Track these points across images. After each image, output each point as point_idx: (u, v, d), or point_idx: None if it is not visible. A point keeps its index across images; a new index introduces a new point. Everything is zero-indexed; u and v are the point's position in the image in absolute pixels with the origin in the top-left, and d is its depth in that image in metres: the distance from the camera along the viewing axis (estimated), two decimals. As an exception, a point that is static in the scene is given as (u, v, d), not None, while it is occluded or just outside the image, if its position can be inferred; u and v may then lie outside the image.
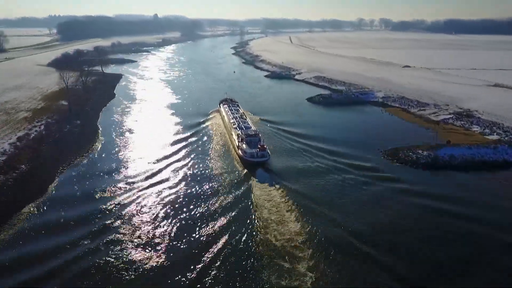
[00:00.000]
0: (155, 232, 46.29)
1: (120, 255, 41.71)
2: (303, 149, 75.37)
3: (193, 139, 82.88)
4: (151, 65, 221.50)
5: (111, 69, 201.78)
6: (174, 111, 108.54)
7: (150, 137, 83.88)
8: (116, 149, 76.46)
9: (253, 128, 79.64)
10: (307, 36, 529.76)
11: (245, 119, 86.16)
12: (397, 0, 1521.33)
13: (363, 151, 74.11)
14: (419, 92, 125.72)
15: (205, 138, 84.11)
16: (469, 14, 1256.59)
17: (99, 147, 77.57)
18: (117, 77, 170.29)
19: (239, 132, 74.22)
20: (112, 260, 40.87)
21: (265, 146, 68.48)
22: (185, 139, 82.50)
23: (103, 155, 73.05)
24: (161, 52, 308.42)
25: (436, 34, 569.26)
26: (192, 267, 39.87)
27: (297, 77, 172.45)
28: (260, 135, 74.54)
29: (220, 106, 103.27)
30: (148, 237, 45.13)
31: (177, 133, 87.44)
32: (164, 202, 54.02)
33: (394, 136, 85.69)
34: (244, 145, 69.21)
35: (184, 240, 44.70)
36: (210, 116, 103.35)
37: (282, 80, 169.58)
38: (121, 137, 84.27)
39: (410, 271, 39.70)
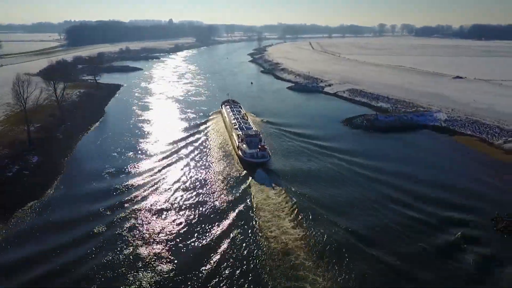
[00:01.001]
0: (155, 233, 45.57)
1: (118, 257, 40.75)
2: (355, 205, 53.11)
3: (193, 140, 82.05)
4: (158, 74, 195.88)
5: (111, 78, 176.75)
6: (175, 140, 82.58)
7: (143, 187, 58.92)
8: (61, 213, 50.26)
9: (254, 128, 79.16)
10: (328, 42, 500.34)
11: (247, 120, 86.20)
12: (418, 6, 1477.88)
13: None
14: (495, 113, 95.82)
15: (206, 139, 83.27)
16: (494, 19, 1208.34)
17: (46, 206, 51.44)
18: (114, 89, 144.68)
19: (240, 132, 73.49)
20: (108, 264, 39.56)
21: (266, 147, 68.07)
22: (186, 141, 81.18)
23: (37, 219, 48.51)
24: (172, 59, 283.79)
25: (464, 40, 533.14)
26: (193, 270, 39.04)
27: (326, 89, 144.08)
28: (260, 135, 73.98)
29: (222, 107, 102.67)
30: (147, 239, 44.32)
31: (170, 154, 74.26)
32: (164, 202, 53.32)
33: (493, 191, 56.98)
34: (244, 145, 68.57)
35: (184, 242, 43.87)
36: (212, 117, 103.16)
37: (308, 93, 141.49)
38: (86, 186, 57.86)
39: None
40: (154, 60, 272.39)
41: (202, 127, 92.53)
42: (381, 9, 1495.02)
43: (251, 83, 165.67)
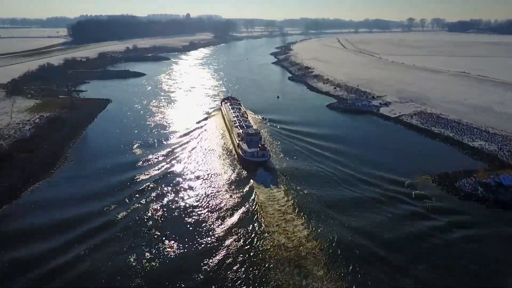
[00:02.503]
0: (153, 234, 45.66)
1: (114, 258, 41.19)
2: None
3: (193, 138, 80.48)
4: (162, 83, 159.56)
5: (103, 87, 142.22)
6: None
7: None
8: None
9: (254, 127, 77.69)
10: (357, 38, 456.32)
11: (246, 118, 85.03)
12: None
13: None
14: None
15: (206, 137, 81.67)
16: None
17: None
18: (98, 107, 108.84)
19: (240, 131, 72.23)
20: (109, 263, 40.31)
21: (266, 146, 67.44)
22: (184, 141, 79.17)
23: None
24: (184, 60, 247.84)
25: (504, 36, 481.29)
26: (197, 269, 39.49)
27: (383, 110, 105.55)
28: (260, 134, 73.43)
29: (221, 105, 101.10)
30: (146, 240, 44.48)
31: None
32: (163, 202, 53.16)
33: None
34: (244, 144, 67.36)
35: (185, 242, 44.13)
36: (212, 114, 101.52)
37: (357, 115, 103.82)
38: None
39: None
40: (163, 61, 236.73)
41: (201, 125, 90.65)
42: (409, 2, 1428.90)
43: (278, 97, 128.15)
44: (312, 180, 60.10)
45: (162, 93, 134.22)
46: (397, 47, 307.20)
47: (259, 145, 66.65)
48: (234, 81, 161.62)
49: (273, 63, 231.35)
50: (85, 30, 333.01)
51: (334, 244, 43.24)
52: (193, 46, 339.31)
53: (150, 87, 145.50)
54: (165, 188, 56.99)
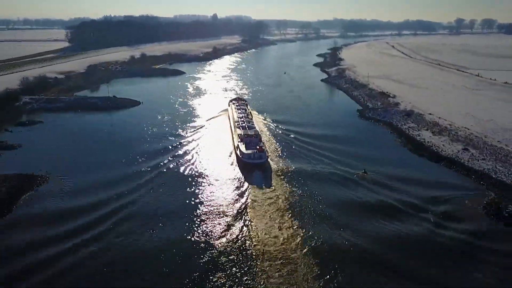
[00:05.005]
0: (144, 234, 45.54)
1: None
2: None
3: (194, 140, 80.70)
4: (154, 124, 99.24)
5: (46, 132, 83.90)
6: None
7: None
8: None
9: (256, 128, 78.03)
10: (412, 43, 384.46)
11: (250, 119, 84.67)
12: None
13: None
14: None
15: (208, 137, 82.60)
16: None
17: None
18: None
19: (240, 132, 72.82)
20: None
21: (264, 148, 67.42)
22: (187, 140, 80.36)
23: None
24: (201, 74, 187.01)
25: None
26: (188, 269, 39.50)
27: None
28: (260, 136, 73.32)
29: (229, 105, 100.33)
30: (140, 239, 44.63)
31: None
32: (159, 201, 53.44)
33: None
34: (242, 145, 67.76)
35: (176, 239, 44.72)
36: (220, 114, 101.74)
37: None
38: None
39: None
40: (173, 77, 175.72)
41: (207, 126, 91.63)
42: (454, 2, 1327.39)
43: (364, 172, 64.88)
44: (312, 182, 59.66)
45: (151, 141, 74.35)
46: (480, 57, 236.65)
47: (257, 146, 66.25)
48: (276, 119, 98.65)
49: (323, 80, 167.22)
50: (87, 33, 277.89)
51: (323, 244, 43.39)
52: (217, 54, 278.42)
53: (132, 136, 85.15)
54: (158, 187, 57.80)
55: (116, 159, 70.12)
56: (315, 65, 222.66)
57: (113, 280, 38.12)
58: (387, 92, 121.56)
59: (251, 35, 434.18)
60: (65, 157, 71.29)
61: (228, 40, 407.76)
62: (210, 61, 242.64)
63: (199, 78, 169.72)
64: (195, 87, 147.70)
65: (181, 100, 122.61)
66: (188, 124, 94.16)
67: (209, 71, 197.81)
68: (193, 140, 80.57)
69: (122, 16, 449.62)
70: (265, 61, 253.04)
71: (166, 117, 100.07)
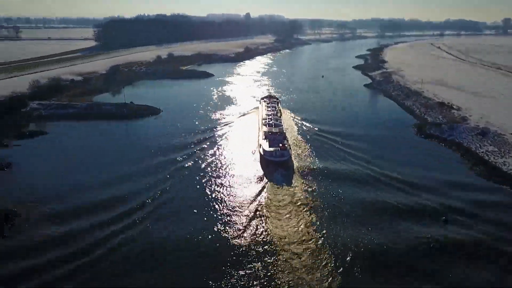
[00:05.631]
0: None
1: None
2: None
3: (222, 136, 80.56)
4: (179, 134, 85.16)
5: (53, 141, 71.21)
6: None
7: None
8: None
9: (283, 126, 76.75)
10: (459, 44, 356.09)
11: (279, 117, 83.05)
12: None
13: None
14: None
15: (236, 134, 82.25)
16: None
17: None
18: None
19: (265, 129, 72.42)
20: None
21: (287, 146, 66.00)
22: (213, 136, 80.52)
23: None
24: (230, 77, 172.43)
25: None
26: (208, 264, 39.45)
27: None
28: (285, 134, 72.20)
29: (260, 102, 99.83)
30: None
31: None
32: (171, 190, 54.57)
33: None
34: (266, 143, 67.17)
35: (191, 232, 44.84)
36: (251, 111, 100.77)
37: None
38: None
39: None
40: (201, 80, 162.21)
41: (237, 122, 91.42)
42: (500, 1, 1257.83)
43: (445, 220, 47.72)
44: (339, 182, 57.96)
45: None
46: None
47: (280, 144, 65.36)
48: (322, 164, 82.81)
49: (366, 86, 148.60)
50: (115, 32, 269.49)
51: (342, 245, 42.30)
52: (249, 54, 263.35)
53: (153, 151, 71.27)
54: (181, 180, 58.74)
55: (120, 179, 58.30)
56: (355, 67, 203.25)
57: (138, 271, 38.58)
58: (448, 103, 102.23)
59: (284, 35, 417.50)
60: (58, 183, 58.00)
61: (261, 39, 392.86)
62: (241, 62, 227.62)
63: (228, 82, 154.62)
64: (222, 92, 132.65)
65: (206, 108, 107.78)
66: (211, 134, 79.59)
67: (239, 73, 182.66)
68: (217, 140, 78.66)
69: (154, 15, 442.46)
70: (299, 63, 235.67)
71: (186, 129, 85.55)
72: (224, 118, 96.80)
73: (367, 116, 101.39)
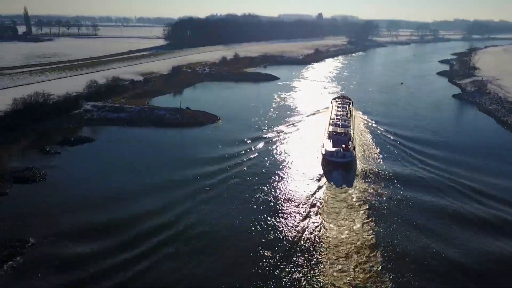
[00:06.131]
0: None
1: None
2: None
3: (290, 133, 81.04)
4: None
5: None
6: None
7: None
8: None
9: (350, 127, 73.48)
10: None
11: (348, 118, 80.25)
12: None
13: None
14: None
15: (303, 133, 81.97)
16: None
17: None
18: None
19: (330, 129, 70.75)
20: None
21: (350, 147, 62.88)
22: (281, 134, 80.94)
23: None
24: (296, 82, 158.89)
25: None
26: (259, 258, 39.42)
27: None
28: (350, 135, 68.88)
29: (331, 102, 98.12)
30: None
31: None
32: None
33: None
34: (329, 143, 65.48)
35: (243, 224, 45.56)
36: (322, 111, 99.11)
37: None
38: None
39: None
40: (266, 83, 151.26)
41: (307, 121, 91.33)
42: None
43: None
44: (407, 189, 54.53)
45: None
46: None
47: (343, 145, 62.96)
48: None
49: (455, 96, 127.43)
50: (184, 31, 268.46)
51: (399, 249, 40.68)
52: (319, 56, 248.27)
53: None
54: (244, 171, 60.41)
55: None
56: (440, 74, 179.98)
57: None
58: None
59: (358, 36, 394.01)
60: (93, 202, 50.06)
61: (332, 41, 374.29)
62: (310, 65, 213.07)
63: (294, 88, 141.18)
64: (284, 99, 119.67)
65: (265, 115, 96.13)
66: (268, 140, 67.94)
67: (307, 77, 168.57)
68: (287, 133, 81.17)
69: (224, 15, 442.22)
70: (374, 67, 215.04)
71: (241, 140, 74.72)
72: (284, 125, 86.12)
73: (462, 139, 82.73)
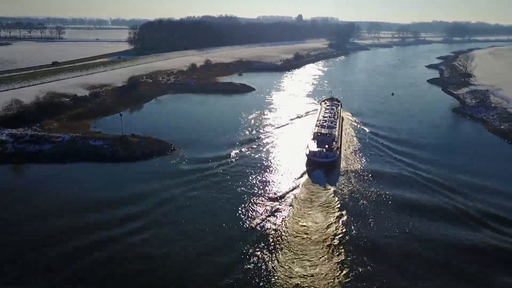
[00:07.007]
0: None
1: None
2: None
3: (277, 135, 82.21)
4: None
5: None
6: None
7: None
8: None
9: (336, 128, 75.08)
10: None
11: (335, 119, 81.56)
12: None
13: None
14: None
15: (290, 134, 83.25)
16: None
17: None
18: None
19: (316, 130, 72.44)
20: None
21: (334, 147, 65.31)
22: (268, 136, 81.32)
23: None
24: (274, 93, 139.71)
25: None
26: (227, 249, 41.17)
27: None
28: (335, 136, 70.30)
29: (320, 104, 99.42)
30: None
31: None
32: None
33: None
34: (313, 143, 67.55)
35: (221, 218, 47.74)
36: (311, 113, 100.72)
37: None
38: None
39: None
40: (236, 97, 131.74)
41: (294, 123, 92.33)
42: None
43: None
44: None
45: None
46: None
47: (327, 145, 65.37)
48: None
49: (455, 111, 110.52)
50: (152, 34, 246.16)
51: (367, 241, 43.01)
52: (299, 61, 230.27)
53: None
54: (229, 170, 62.45)
55: None
56: (431, 82, 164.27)
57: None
58: None
59: (339, 39, 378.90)
60: None
61: (313, 44, 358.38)
62: (289, 72, 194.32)
63: (270, 102, 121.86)
64: (260, 118, 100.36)
65: (238, 140, 76.67)
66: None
67: (285, 88, 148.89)
68: (274, 135, 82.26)
69: (200, 17, 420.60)
70: (358, 75, 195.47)
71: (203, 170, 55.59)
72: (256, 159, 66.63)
73: (468, 167, 65.11)
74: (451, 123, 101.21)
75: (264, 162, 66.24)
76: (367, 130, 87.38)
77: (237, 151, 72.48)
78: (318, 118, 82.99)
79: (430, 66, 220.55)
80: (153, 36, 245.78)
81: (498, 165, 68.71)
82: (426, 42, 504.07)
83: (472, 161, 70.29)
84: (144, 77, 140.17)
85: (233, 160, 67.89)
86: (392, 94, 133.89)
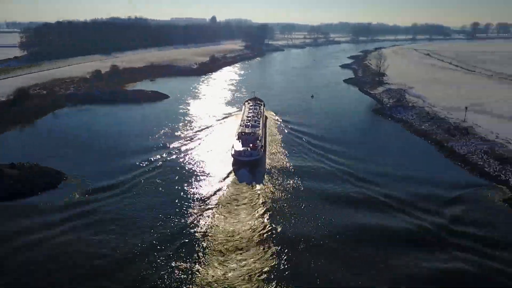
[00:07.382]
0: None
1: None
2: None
3: (198, 139, 79.42)
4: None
5: None
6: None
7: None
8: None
9: (259, 128, 75.94)
10: (444, 50, 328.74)
11: (259, 119, 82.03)
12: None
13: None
14: None
15: (214, 137, 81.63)
16: None
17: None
18: None
19: (240, 130, 73.08)
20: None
21: (258, 146, 66.37)
22: (190, 140, 78.57)
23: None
24: (190, 100, 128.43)
25: None
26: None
27: None
28: (258, 134, 71.29)
29: (244, 105, 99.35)
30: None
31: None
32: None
33: None
34: (237, 143, 68.19)
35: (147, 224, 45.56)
36: (234, 114, 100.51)
37: None
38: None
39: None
40: (148, 106, 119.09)
41: (218, 125, 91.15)
42: (466, 5, 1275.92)
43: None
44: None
45: None
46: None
47: (251, 144, 66.07)
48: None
49: (377, 113, 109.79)
50: (50, 38, 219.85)
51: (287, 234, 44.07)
52: (215, 64, 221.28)
53: None
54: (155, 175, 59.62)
55: None
56: (347, 81, 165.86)
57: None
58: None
59: (254, 40, 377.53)
60: None
61: (229, 45, 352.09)
62: (205, 76, 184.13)
63: (188, 109, 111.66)
64: (178, 126, 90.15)
65: (144, 161, 65.51)
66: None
67: (204, 93, 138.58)
68: (195, 140, 79.22)
69: (106, 19, 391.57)
70: (275, 76, 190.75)
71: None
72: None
73: (387, 161, 62.14)
74: (374, 126, 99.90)
75: (188, 167, 64.17)
76: (290, 128, 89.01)
77: (156, 162, 66.36)
78: (242, 118, 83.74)
79: (343, 66, 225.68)
80: (52, 40, 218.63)
81: (414, 158, 71.88)
82: (335, 42, 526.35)
83: (391, 156, 72.30)
84: (38, 88, 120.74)
85: (153, 171, 62.65)
86: (312, 96, 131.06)
